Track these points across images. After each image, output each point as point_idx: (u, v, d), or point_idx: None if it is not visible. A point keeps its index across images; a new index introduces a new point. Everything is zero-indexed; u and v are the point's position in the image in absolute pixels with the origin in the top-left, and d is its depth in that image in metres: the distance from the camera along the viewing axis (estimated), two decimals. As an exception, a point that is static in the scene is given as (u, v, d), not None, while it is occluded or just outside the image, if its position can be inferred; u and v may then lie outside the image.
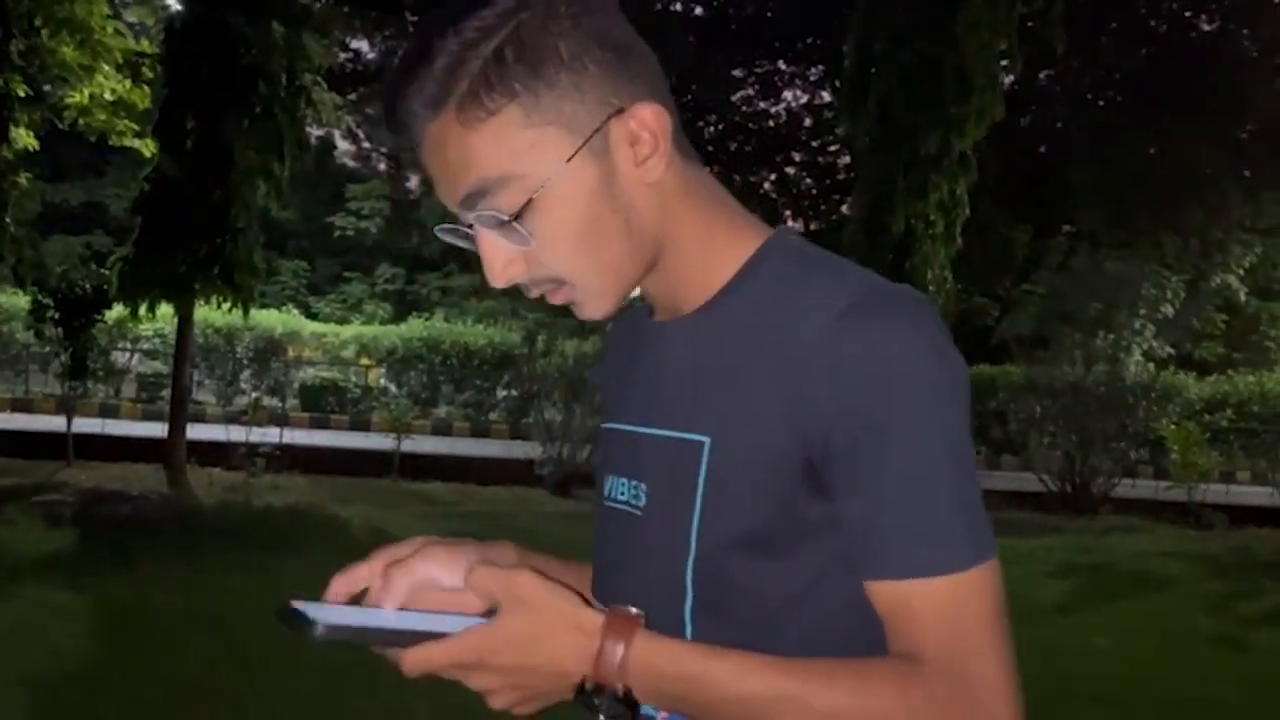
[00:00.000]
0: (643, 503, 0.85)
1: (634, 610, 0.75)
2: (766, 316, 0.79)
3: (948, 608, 0.72)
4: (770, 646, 0.74)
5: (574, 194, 0.77)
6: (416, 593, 0.87)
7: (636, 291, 0.86)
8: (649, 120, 0.78)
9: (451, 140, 0.77)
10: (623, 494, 0.88)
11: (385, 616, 0.83)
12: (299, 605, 0.77)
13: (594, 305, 0.82)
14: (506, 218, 0.77)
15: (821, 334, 0.75)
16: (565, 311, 0.82)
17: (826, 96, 23.77)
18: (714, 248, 0.81)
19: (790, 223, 29.88)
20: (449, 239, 0.83)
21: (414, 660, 0.74)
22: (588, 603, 0.77)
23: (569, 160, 0.76)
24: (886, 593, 0.74)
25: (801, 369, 0.75)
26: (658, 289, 0.86)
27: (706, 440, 0.79)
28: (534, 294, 0.83)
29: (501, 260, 0.80)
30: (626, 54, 0.79)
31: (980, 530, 0.74)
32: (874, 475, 0.73)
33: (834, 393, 0.74)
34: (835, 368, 0.74)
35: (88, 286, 9.96)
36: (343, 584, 0.87)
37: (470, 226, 0.80)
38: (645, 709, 0.78)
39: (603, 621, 0.74)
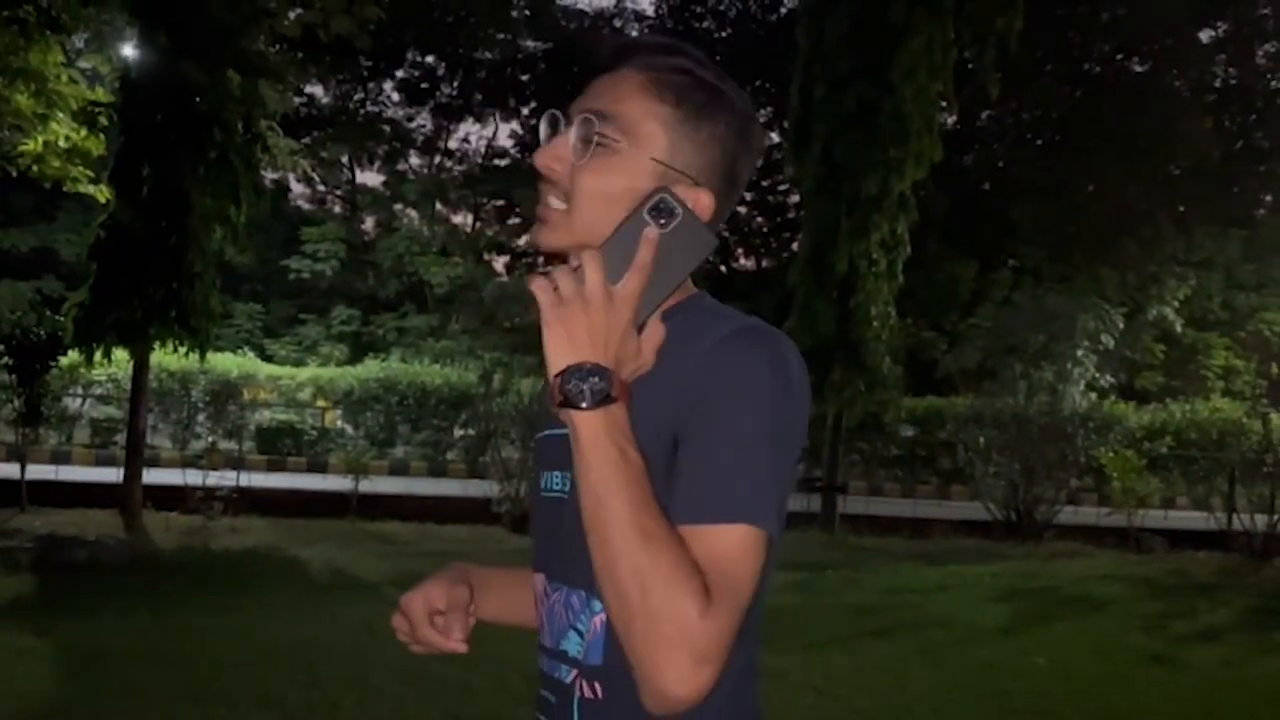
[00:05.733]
0: (568, 489, 1.07)
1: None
2: (674, 346, 1.04)
3: (719, 552, 0.94)
4: None
5: (632, 174, 1.04)
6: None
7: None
8: (701, 201, 1.06)
9: (627, 83, 1.06)
10: (556, 485, 1.11)
11: None
12: None
13: (557, 235, 1.06)
14: (595, 134, 1.04)
15: (706, 352, 1.01)
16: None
17: (775, 138, 24.18)
18: None
19: (742, 260, 30.46)
20: (544, 125, 1.09)
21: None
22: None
23: (650, 159, 1.05)
24: (686, 535, 0.95)
25: (690, 376, 1.00)
26: None
27: None
28: (544, 190, 1.08)
29: (562, 148, 1.06)
30: (733, 177, 1.10)
31: (768, 505, 0.97)
32: (701, 445, 0.98)
33: (702, 390, 0.99)
34: (708, 373, 1.00)
35: (42, 333, 9.96)
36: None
37: (569, 122, 1.07)
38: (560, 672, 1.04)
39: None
